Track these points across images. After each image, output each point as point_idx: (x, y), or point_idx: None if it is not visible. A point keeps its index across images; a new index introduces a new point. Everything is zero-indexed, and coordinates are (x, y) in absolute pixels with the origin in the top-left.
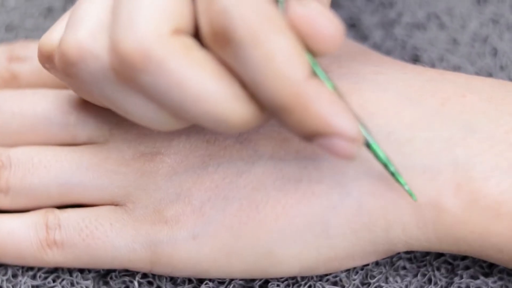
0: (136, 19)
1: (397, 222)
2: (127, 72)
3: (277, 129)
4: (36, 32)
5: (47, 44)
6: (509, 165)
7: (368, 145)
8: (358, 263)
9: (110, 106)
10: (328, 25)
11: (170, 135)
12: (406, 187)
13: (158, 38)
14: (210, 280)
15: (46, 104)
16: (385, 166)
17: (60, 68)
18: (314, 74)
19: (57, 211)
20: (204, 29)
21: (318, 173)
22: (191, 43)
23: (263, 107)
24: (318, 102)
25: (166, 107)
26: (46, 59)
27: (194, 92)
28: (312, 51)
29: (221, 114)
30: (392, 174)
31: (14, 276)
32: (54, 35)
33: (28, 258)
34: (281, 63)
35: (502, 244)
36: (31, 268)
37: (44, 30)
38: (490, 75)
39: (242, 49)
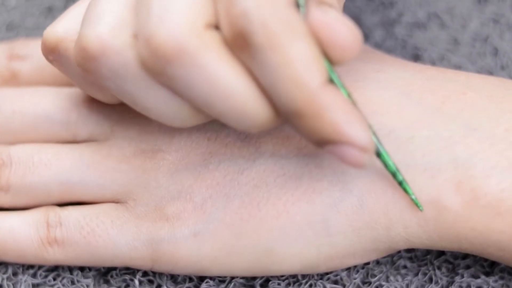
0: (170, 12)
1: (398, 220)
2: (158, 64)
3: (279, 126)
4: (37, 31)
5: (51, 36)
6: (510, 164)
7: (378, 154)
8: (359, 261)
9: (127, 102)
10: (347, 33)
11: (171, 132)
12: (413, 197)
13: (193, 31)
14: (210, 278)
15: (47, 102)
16: (394, 175)
17: (79, 63)
18: (330, 80)
19: (57, 208)
20: (224, 30)
21: (319, 170)
22: (220, 39)
23: (278, 110)
24: (333, 110)
25: (193, 101)
26: (50, 51)
27: (224, 87)
28: (329, 59)
29: (247, 112)
30: (400, 183)
31: (15, 274)
32: (59, 27)
33: (29, 256)
34: (298, 69)
35: (503, 242)
36: (31, 266)
37: (45, 29)
38: (490, 74)
39: (260, 53)
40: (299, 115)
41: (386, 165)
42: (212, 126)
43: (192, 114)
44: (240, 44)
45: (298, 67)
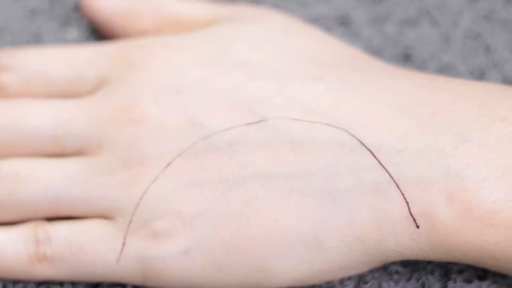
0: None
1: (390, 234)
2: None
3: (267, 140)
4: (22, 35)
5: None
6: (502, 173)
7: None
8: (352, 273)
9: None
10: None
11: (160, 147)
12: None
13: None
14: None
15: (34, 115)
16: None
17: None
18: None
19: (46, 224)
20: None
21: (308, 185)
22: None
23: None
24: None
25: None
26: None
27: None
28: None
29: None
30: None
31: None
32: None
33: (18, 272)
34: None
35: (498, 252)
36: (21, 281)
37: (30, 33)
38: (482, 73)
39: None
40: None
41: None
42: (201, 143)
43: None
44: None
45: None
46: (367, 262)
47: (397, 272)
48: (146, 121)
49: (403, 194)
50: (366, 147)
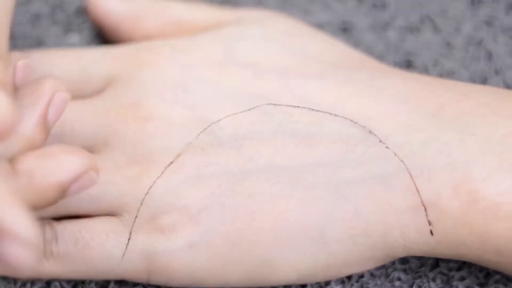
0: None
1: (395, 226)
2: None
3: (273, 134)
4: (24, 40)
5: None
6: (509, 166)
7: None
8: (357, 270)
9: None
10: None
11: (166, 143)
12: None
13: None
14: None
15: None
16: None
17: None
18: None
19: (53, 222)
20: None
21: (314, 178)
22: None
23: None
24: None
25: None
26: None
27: None
28: None
29: None
30: None
31: None
32: None
33: (25, 270)
34: None
35: (501, 246)
36: (23, 284)
37: (32, 37)
38: (484, 79)
39: None
40: None
41: None
42: (207, 138)
43: None
44: None
45: None
46: (372, 258)
47: (399, 279)
48: (152, 118)
49: (413, 181)
50: (375, 135)
